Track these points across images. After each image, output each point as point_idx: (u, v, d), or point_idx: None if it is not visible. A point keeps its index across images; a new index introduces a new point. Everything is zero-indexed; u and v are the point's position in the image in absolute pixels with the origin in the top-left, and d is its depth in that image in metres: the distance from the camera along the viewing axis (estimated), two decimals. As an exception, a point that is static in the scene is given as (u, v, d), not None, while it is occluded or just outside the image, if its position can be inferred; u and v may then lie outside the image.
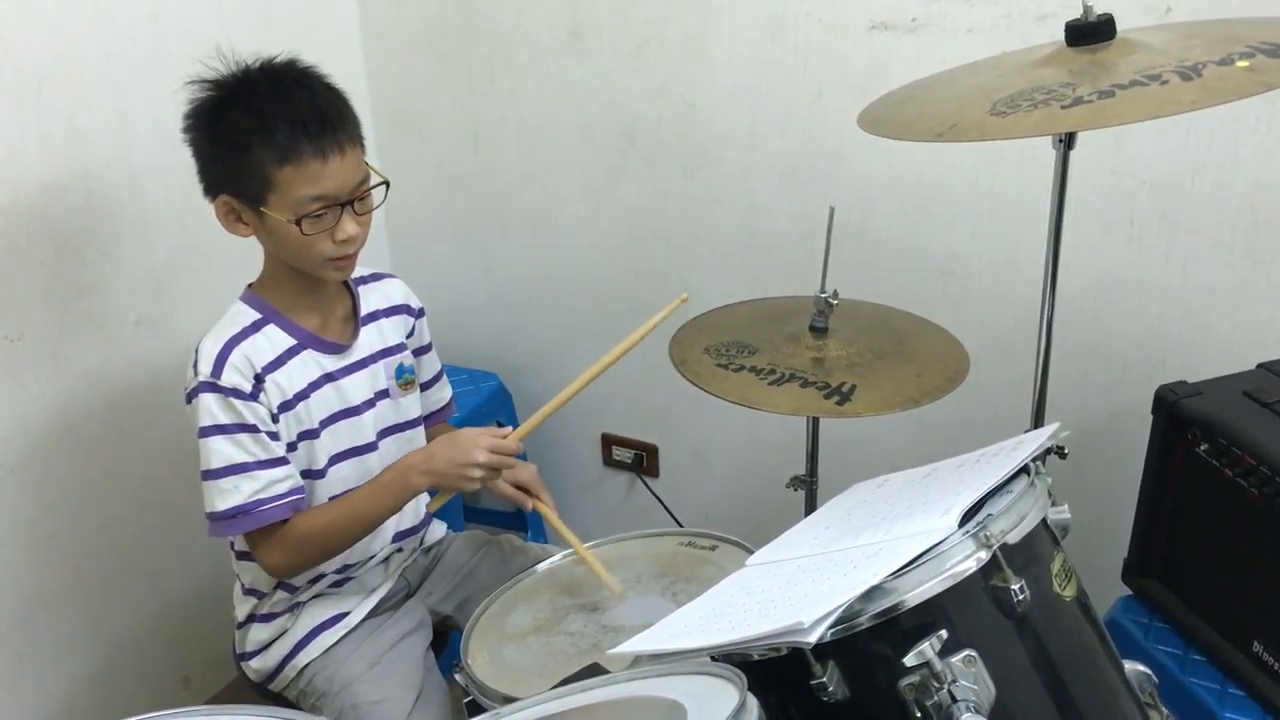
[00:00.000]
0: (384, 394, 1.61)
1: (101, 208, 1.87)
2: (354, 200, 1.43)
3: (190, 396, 1.45)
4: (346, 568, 1.60)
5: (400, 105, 2.38)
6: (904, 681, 0.95)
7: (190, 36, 1.93)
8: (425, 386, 1.72)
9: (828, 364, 1.57)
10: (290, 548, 1.48)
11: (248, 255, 1.54)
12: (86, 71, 1.81)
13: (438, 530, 1.77)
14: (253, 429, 1.44)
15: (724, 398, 1.53)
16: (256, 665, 1.61)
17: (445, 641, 1.77)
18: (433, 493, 1.57)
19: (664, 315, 1.55)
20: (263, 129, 1.37)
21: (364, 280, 1.62)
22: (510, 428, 1.54)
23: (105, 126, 1.85)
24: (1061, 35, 1.35)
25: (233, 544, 1.59)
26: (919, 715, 0.95)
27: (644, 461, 2.45)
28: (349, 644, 1.59)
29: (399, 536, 1.65)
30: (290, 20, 2.15)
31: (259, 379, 1.45)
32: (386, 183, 1.48)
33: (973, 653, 0.96)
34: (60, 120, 1.78)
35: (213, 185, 1.44)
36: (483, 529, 1.84)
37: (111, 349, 1.92)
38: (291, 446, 1.50)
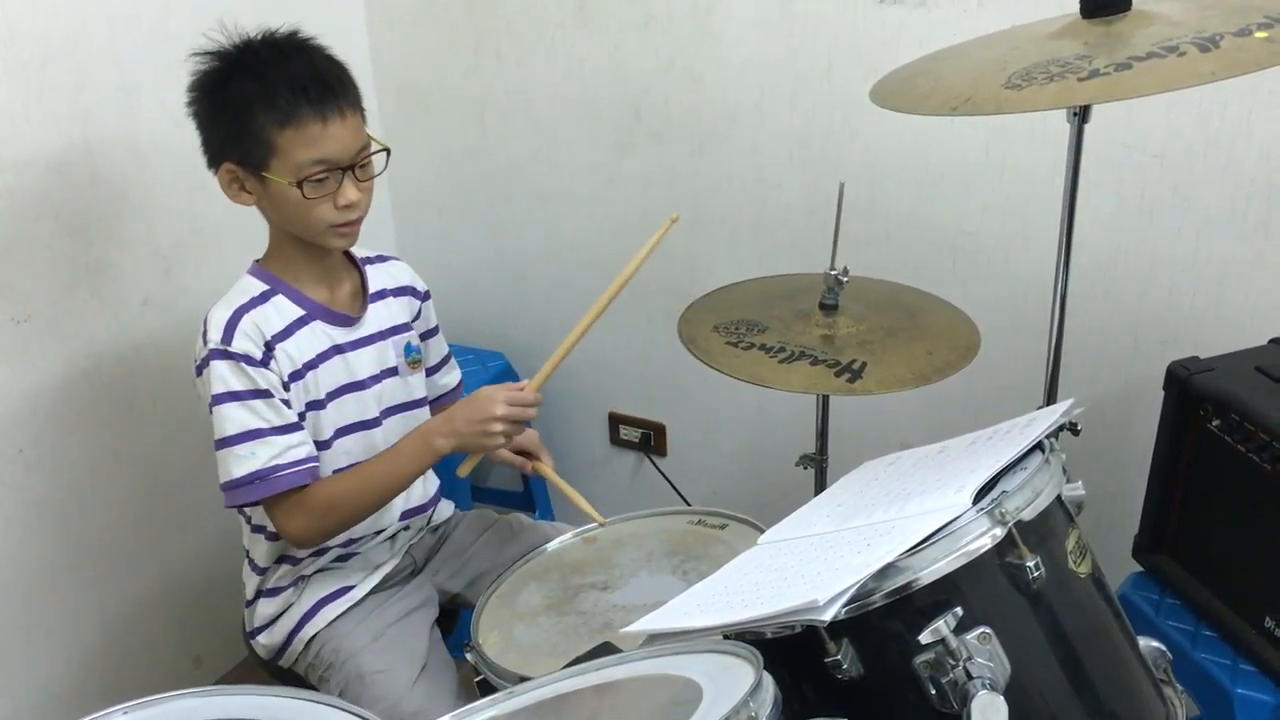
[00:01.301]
0: (392, 371, 1.61)
1: (107, 186, 1.86)
2: (355, 166, 1.45)
3: (200, 367, 1.46)
4: (351, 542, 1.60)
5: (406, 81, 2.37)
6: (919, 659, 0.95)
7: (194, 12, 1.92)
8: (433, 370, 1.72)
9: (838, 341, 1.57)
10: (313, 513, 1.48)
11: (255, 234, 1.54)
12: (91, 48, 1.80)
13: (445, 510, 1.78)
14: (266, 394, 1.44)
15: (734, 376, 1.52)
16: (265, 641, 1.61)
17: (455, 620, 1.77)
18: (460, 458, 1.58)
19: (657, 238, 1.55)
20: (264, 94, 1.39)
21: (370, 260, 1.63)
22: (525, 381, 1.54)
23: (110, 104, 1.84)
24: (1074, 7, 1.33)
25: (249, 517, 1.59)
26: (934, 692, 0.95)
27: (652, 440, 2.45)
28: (354, 617, 1.59)
29: (406, 515, 1.65)
30: (295, -4, 2.14)
31: (269, 347, 1.46)
32: (387, 150, 1.49)
33: (988, 630, 0.95)
34: (65, 98, 1.77)
35: (216, 154, 1.46)
36: (490, 508, 1.84)
37: (119, 329, 1.92)
38: (300, 417, 1.50)
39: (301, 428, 1.48)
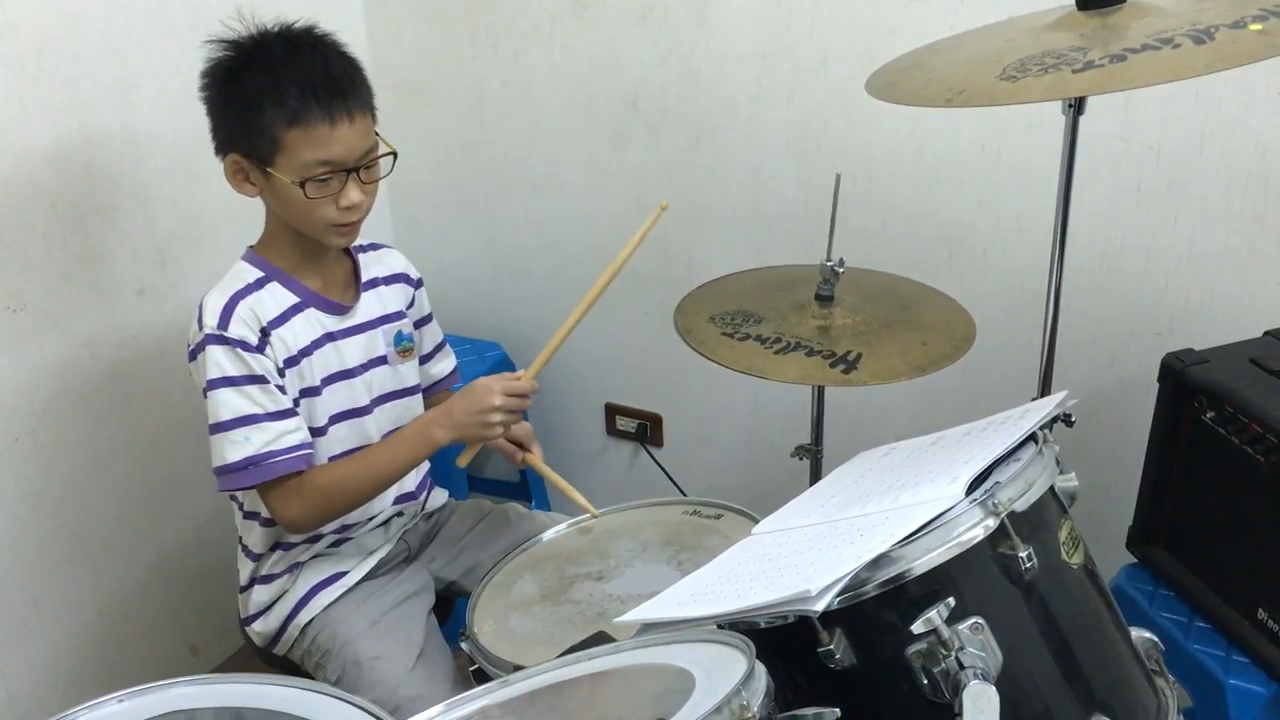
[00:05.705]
0: (380, 360, 1.61)
1: (103, 176, 1.86)
2: (360, 168, 1.44)
3: (195, 352, 1.46)
4: (345, 528, 1.61)
5: (403, 73, 2.37)
6: (911, 649, 0.95)
7: (192, 2, 1.92)
8: (427, 358, 1.72)
9: (834, 332, 1.57)
10: (308, 499, 1.49)
11: (251, 224, 1.54)
12: (86, 38, 1.79)
13: (439, 497, 1.78)
14: (261, 380, 1.45)
15: (730, 367, 1.53)
16: (260, 628, 1.62)
17: (451, 609, 1.78)
18: (459, 449, 1.58)
19: (647, 227, 1.56)
20: (274, 90, 1.38)
21: (363, 249, 1.64)
22: (521, 370, 1.56)
23: (106, 94, 1.84)
24: (1071, -1, 1.33)
25: (241, 504, 1.59)
26: (926, 682, 0.95)
27: (648, 431, 2.45)
28: (349, 603, 1.60)
29: (400, 499, 1.66)
30: (291, -14, 2.13)
31: (264, 333, 1.46)
32: (394, 153, 1.49)
33: (980, 620, 0.95)
34: (61, 88, 1.77)
35: (224, 144, 1.46)
36: (486, 498, 1.84)
37: (114, 318, 1.92)
38: (295, 403, 1.50)
39: (296, 414, 1.48)
